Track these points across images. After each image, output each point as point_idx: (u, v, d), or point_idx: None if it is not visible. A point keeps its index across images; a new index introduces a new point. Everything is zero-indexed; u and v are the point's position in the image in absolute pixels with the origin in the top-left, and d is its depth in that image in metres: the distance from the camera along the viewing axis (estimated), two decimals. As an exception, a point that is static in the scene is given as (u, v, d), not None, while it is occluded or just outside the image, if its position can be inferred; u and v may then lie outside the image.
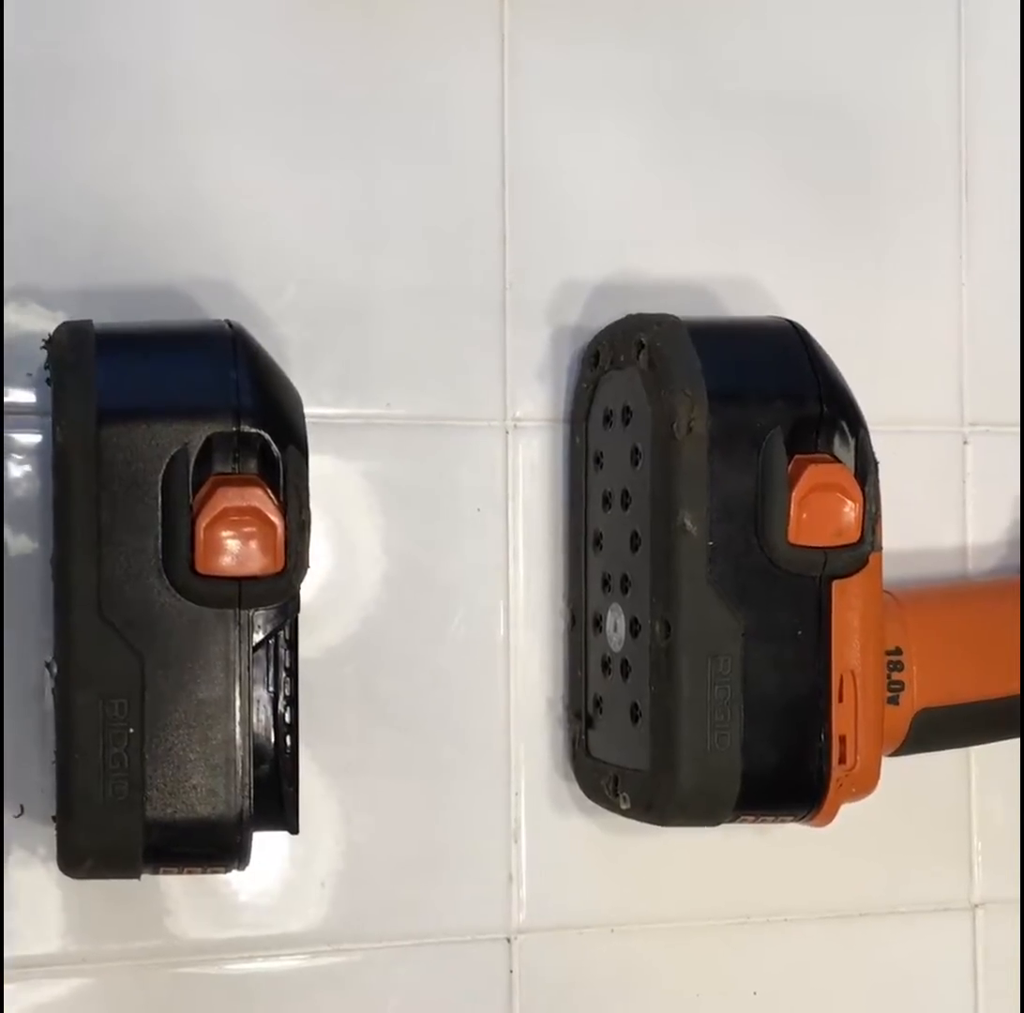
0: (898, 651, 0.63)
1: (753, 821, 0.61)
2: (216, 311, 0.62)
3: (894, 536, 0.70)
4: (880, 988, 0.70)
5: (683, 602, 0.59)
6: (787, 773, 0.60)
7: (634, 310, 0.65)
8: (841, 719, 0.60)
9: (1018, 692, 0.65)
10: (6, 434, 0.60)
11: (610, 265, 0.68)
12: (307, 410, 0.61)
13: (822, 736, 0.60)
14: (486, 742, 0.66)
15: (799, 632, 0.59)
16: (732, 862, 0.68)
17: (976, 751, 0.71)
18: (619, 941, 0.68)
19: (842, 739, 0.60)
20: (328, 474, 0.64)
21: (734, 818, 0.60)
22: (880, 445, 0.70)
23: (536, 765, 0.67)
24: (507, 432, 0.67)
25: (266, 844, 0.60)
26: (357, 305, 0.65)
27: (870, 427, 0.70)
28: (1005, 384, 0.73)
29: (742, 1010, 0.69)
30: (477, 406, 0.67)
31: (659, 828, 0.64)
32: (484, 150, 0.67)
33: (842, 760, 0.60)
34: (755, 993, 0.69)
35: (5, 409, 0.60)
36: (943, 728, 0.65)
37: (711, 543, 0.59)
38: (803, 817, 0.61)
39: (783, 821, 0.61)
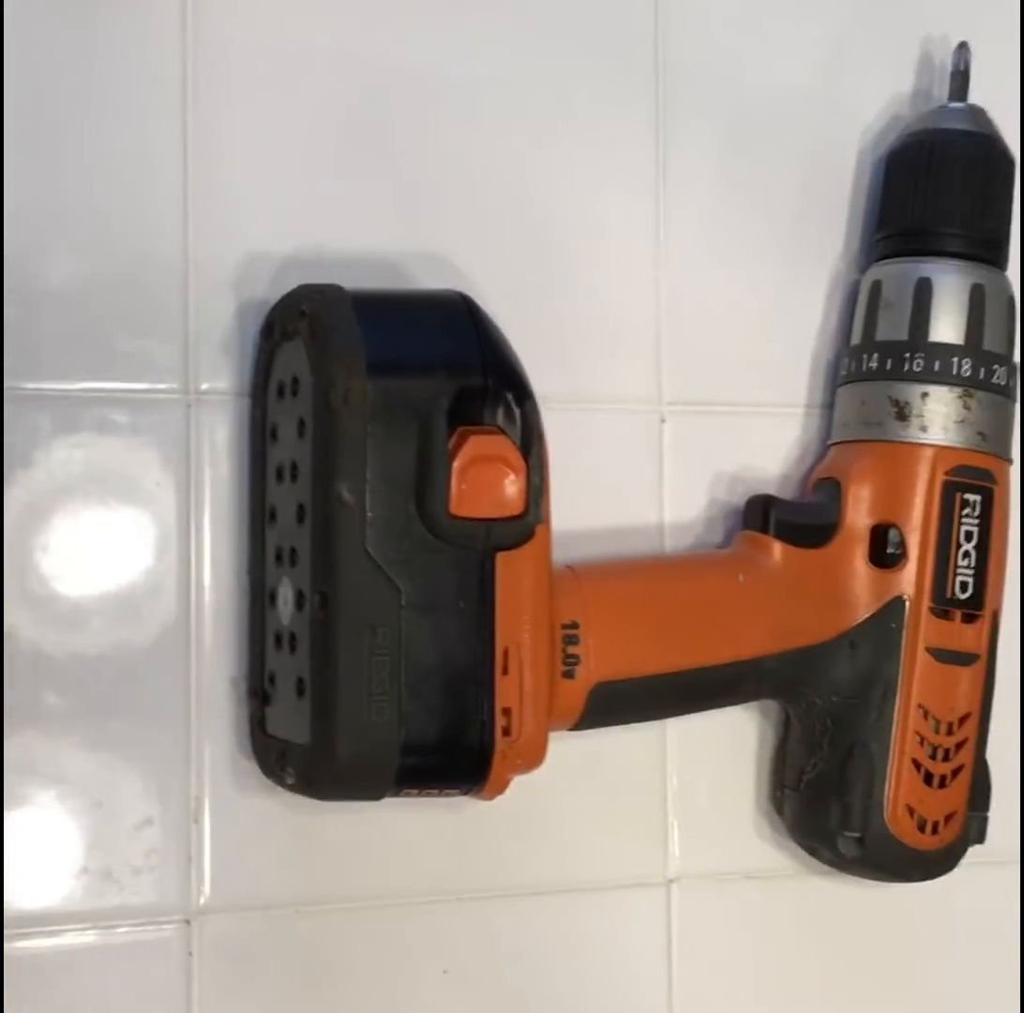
0: (574, 625, 0.63)
1: (417, 795, 0.60)
2: None
3: (592, 514, 0.71)
4: (573, 964, 0.70)
5: (340, 573, 0.58)
6: (449, 746, 0.59)
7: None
8: (505, 691, 0.60)
9: (698, 665, 0.66)
10: None
11: (300, 237, 0.67)
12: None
13: (485, 708, 0.59)
14: (167, 721, 0.65)
15: (461, 604, 0.59)
16: (423, 840, 0.68)
17: (673, 726, 0.71)
18: (305, 922, 0.67)
19: (506, 711, 0.60)
20: (5, 448, 0.63)
21: (397, 792, 0.60)
22: (578, 423, 0.71)
23: (219, 744, 0.65)
24: (189, 406, 0.66)
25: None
26: (34, 277, 0.64)
27: (567, 405, 0.71)
28: (702, 363, 0.73)
29: (431, 989, 0.68)
30: (159, 379, 0.65)
31: (348, 806, 0.64)
32: (166, 118, 0.65)
33: (507, 732, 0.60)
34: (445, 971, 0.68)
35: None
36: (622, 701, 0.65)
37: (370, 514, 0.58)
38: (468, 790, 0.61)
39: (448, 794, 0.61)
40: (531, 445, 0.60)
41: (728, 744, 0.72)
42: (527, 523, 0.60)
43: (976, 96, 0.72)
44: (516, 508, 0.59)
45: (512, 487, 0.59)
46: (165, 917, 0.65)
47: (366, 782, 0.59)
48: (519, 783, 0.64)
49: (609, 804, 0.71)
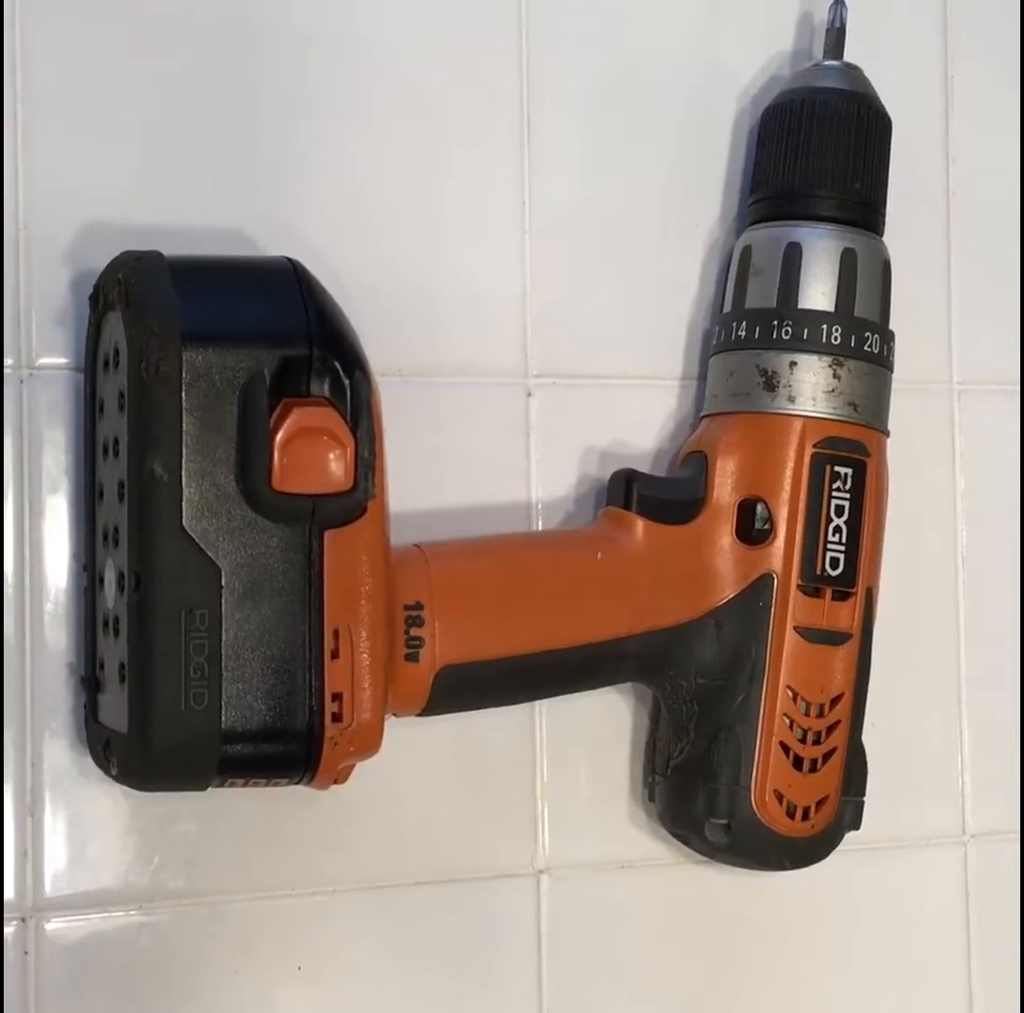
0: (418, 605, 0.60)
1: (243, 784, 0.58)
2: None
3: (455, 493, 0.68)
4: (437, 960, 0.68)
5: (154, 552, 0.55)
6: (274, 733, 0.56)
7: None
8: (335, 676, 0.57)
9: (552, 647, 0.63)
10: None
11: (139, 206, 0.64)
12: None
13: (312, 694, 0.57)
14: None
15: (286, 584, 0.56)
16: (276, 831, 0.65)
17: (544, 710, 0.68)
18: (149, 919, 0.64)
19: (337, 696, 0.57)
20: None
21: (221, 782, 0.57)
22: (439, 397, 0.68)
23: (57, 734, 0.63)
24: (22, 380, 0.63)
25: None
26: None
27: (428, 378, 0.68)
28: (571, 334, 0.70)
29: (285, 985, 0.65)
30: (-11, 353, 0.63)
31: (196, 797, 0.61)
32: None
33: (337, 718, 0.57)
34: (300, 968, 0.66)
35: None
36: (472, 686, 0.62)
37: (187, 490, 0.55)
38: (299, 779, 0.58)
39: (278, 784, 0.58)
40: (361, 418, 0.57)
41: (602, 728, 0.70)
42: (356, 499, 0.57)
43: (856, 56, 0.70)
44: (344, 484, 0.56)
45: (338, 461, 0.56)
46: (-1, 915, 0.63)
47: (186, 772, 0.56)
48: (378, 769, 0.61)
49: (475, 791, 0.68)
